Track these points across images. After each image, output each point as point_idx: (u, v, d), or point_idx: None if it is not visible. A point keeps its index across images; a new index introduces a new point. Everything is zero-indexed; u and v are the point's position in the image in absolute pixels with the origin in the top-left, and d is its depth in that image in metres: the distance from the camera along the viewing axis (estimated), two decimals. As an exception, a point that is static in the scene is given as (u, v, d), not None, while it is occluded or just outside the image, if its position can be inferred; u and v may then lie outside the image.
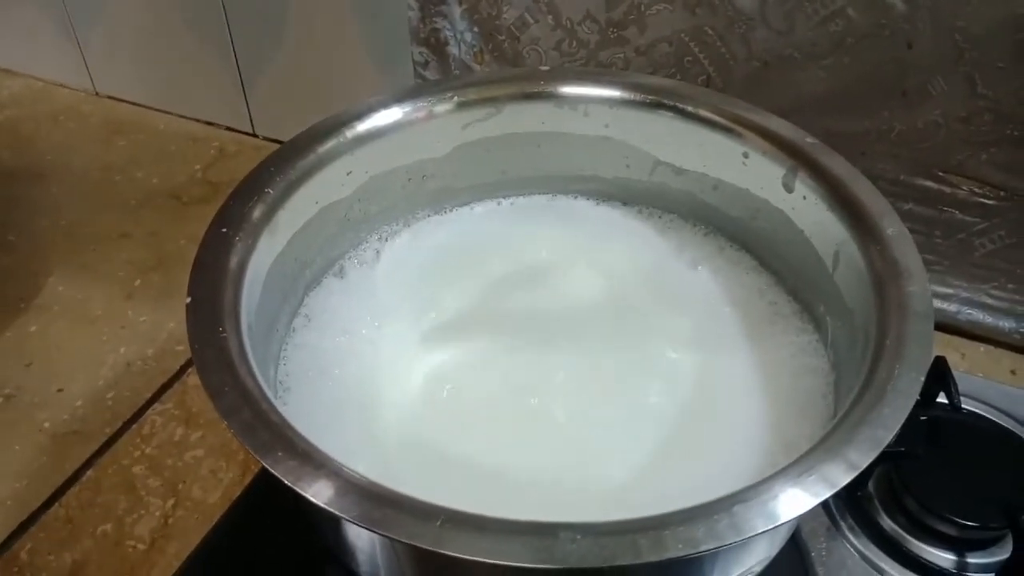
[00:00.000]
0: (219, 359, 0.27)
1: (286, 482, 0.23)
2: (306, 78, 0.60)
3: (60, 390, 0.46)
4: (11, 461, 0.43)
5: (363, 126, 0.37)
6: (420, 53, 0.53)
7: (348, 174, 0.37)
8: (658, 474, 0.31)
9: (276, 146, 0.62)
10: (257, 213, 0.33)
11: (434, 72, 0.54)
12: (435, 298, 0.38)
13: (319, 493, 0.23)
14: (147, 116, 0.67)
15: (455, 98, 0.39)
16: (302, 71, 0.60)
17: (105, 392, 0.46)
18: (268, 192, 0.34)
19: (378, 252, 0.40)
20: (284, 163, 0.35)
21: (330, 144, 0.36)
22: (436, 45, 0.52)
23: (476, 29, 0.51)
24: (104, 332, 0.49)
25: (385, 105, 0.37)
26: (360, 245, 0.40)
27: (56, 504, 0.41)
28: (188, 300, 0.29)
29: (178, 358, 0.48)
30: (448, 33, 0.52)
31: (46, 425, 0.44)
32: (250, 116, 0.64)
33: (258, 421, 0.25)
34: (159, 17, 0.62)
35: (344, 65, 0.58)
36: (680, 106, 0.38)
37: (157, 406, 0.45)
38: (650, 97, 0.39)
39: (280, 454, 0.24)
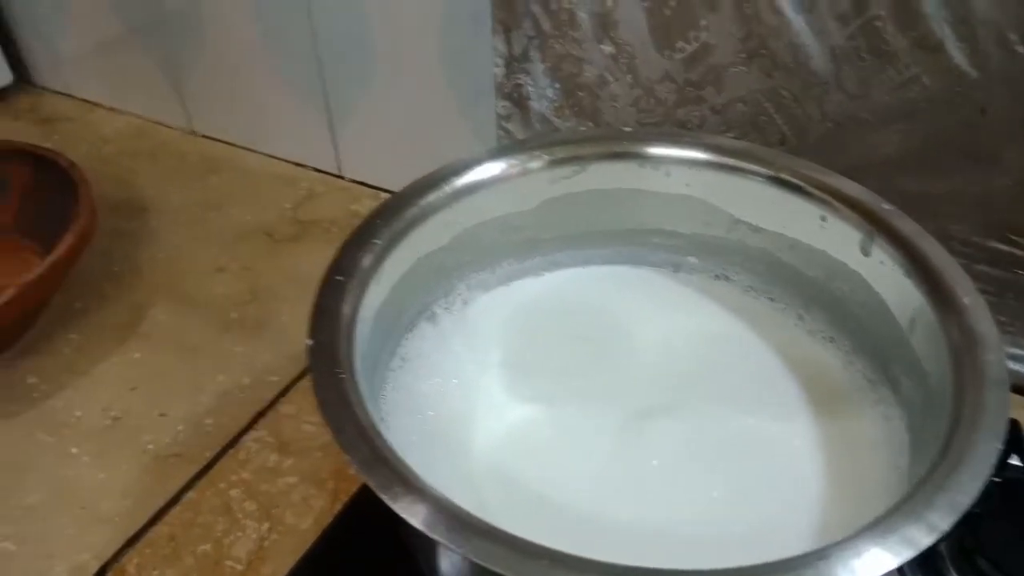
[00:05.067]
0: (339, 399, 0.29)
1: (408, 519, 0.25)
2: (392, 124, 0.63)
3: (163, 414, 0.49)
4: (118, 480, 0.46)
5: (462, 181, 0.40)
6: (503, 107, 0.56)
7: (446, 226, 0.40)
8: (731, 531, 0.33)
9: (362, 188, 0.67)
10: (366, 262, 0.36)
11: (516, 124, 0.57)
12: (520, 349, 0.40)
13: (436, 529, 0.25)
14: (240, 156, 0.72)
15: (545, 156, 0.41)
16: (389, 118, 0.63)
17: (204, 418, 0.49)
18: (376, 242, 0.36)
19: (466, 301, 0.43)
20: (390, 215, 0.38)
21: (432, 197, 0.39)
22: (519, 99, 0.55)
23: (557, 85, 0.54)
24: (202, 361, 0.53)
25: (483, 161, 0.40)
26: (451, 292, 0.42)
27: (159, 523, 0.44)
28: (310, 343, 0.31)
29: (271, 388, 0.51)
30: (531, 89, 0.55)
31: (150, 447, 0.47)
32: (337, 159, 0.68)
33: (376, 458, 0.27)
34: (255, 62, 0.66)
35: (429, 113, 0.61)
36: (759, 169, 0.40)
37: (252, 433, 0.48)
38: (731, 159, 0.41)
39: (398, 490, 0.26)
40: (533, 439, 0.37)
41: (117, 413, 0.50)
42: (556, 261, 0.45)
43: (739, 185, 0.41)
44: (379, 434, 0.29)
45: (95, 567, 0.42)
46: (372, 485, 0.26)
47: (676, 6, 0.48)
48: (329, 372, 0.30)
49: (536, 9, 0.52)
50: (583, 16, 0.50)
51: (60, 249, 0.49)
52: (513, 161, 0.41)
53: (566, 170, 0.42)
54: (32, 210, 0.60)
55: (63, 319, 0.56)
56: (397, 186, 0.65)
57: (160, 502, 0.44)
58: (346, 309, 0.34)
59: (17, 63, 0.82)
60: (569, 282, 0.44)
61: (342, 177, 0.69)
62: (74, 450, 0.47)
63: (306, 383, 0.51)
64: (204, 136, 0.74)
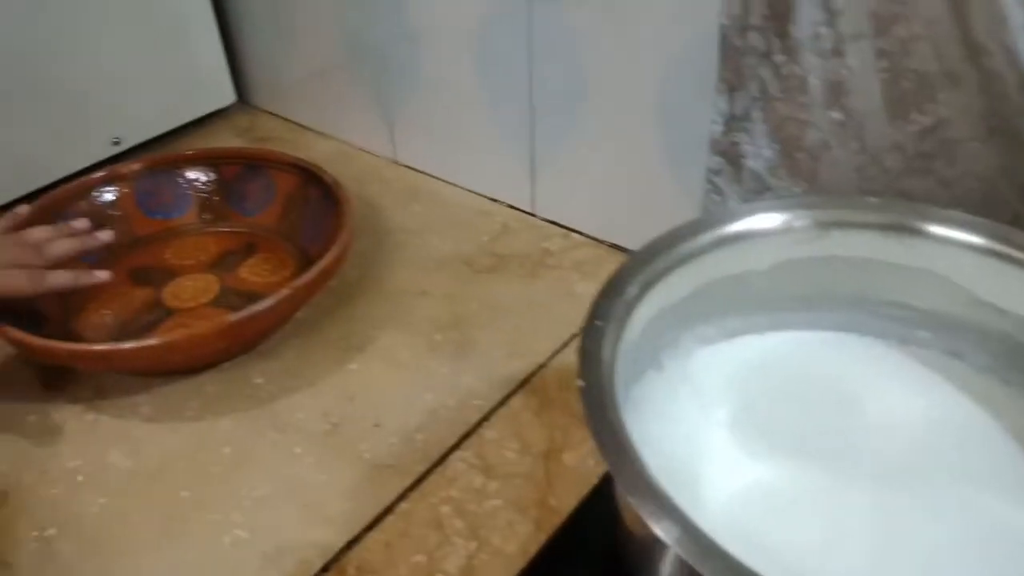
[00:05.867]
0: (613, 439, 0.31)
1: (691, 562, 0.26)
2: (594, 170, 0.66)
3: (377, 425, 0.53)
4: (338, 483, 0.49)
5: (706, 238, 0.41)
6: (716, 162, 0.57)
7: (686, 279, 0.41)
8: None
9: (552, 227, 0.70)
10: (621, 310, 0.37)
11: (725, 180, 0.58)
12: (746, 406, 0.41)
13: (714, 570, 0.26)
14: (439, 187, 0.76)
15: (788, 218, 0.42)
16: (591, 163, 0.65)
17: (415, 433, 0.52)
18: (629, 291, 0.38)
19: (690, 352, 0.44)
20: (642, 266, 0.39)
21: (678, 252, 0.40)
22: (733, 157, 0.56)
23: (776, 146, 0.55)
24: (411, 378, 0.56)
25: (728, 220, 0.42)
26: (677, 342, 0.44)
27: (376, 529, 0.47)
28: (581, 384, 0.33)
29: (475, 411, 0.53)
30: (747, 147, 0.56)
31: (366, 456, 0.51)
32: (533, 197, 0.70)
33: (655, 501, 0.29)
34: (468, 102, 0.70)
35: (635, 163, 0.63)
36: (1012, 252, 0.40)
37: (458, 453, 0.51)
38: (980, 239, 0.41)
39: (679, 535, 0.28)
40: (766, 497, 0.37)
41: (336, 420, 0.53)
42: (781, 321, 0.45)
43: (987, 266, 0.40)
44: (651, 474, 0.30)
45: (319, 564, 0.45)
46: (658, 531, 0.28)
47: (915, 79, 0.48)
48: (600, 412, 0.32)
49: (765, 73, 0.53)
50: (814, 82, 0.51)
51: (326, 260, 0.54)
52: (754, 221, 0.42)
53: (807, 234, 0.42)
54: (294, 218, 0.66)
55: (287, 325, 0.60)
56: (588, 228, 0.69)
57: (377, 509, 0.47)
58: (606, 353, 0.35)
59: (239, 84, 0.90)
60: (793, 343, 0.45)
61: (534, 215, 0.71)
62: (298, 450, 0.51)
63: (506, 410, 0.54)
64: (405, 166, 0.79)
